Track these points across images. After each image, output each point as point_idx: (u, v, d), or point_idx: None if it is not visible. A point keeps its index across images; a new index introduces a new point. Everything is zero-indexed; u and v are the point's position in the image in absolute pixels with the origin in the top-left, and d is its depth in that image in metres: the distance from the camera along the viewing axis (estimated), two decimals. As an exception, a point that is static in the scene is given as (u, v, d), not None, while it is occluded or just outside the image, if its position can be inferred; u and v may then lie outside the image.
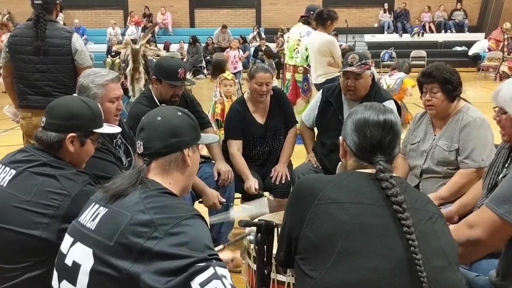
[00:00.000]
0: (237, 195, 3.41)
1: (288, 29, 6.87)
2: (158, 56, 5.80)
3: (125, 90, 5.33)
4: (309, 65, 5.82)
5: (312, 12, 5.76)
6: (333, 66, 5.47)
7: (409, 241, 1.30)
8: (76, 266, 1.39)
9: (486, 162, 2.49)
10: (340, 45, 5.93)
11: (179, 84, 3.03)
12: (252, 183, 3.20)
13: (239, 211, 2.79)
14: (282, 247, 1.52)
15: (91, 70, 2.55)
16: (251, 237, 1.74)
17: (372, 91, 3.18)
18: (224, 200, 3.06)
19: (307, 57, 5.76)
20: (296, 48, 5.82)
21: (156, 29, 17.32)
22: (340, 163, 1.77)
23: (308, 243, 1.37)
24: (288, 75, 5.96)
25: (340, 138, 1.59)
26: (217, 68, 5.50)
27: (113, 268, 1.31)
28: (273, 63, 13.63)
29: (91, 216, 1.45)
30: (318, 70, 5.48)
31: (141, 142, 1.54)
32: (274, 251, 1.68)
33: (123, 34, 16.19)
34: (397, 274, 1.29)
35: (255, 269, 2.09)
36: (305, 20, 5.89)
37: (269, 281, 1.78)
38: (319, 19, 5.49)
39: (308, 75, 5.87)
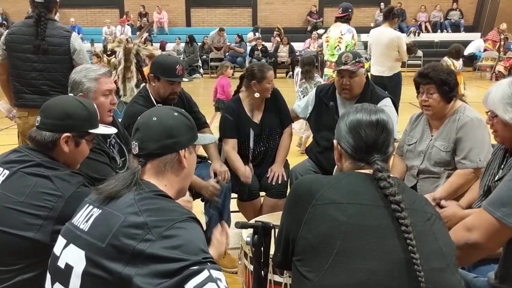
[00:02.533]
0: (234, 195, 3.40)
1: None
2: (153, 55, 5.80)
3: (117, 90, 5.31)
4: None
5: (350, 10, 6.09)
6: (398, 61, 6.01)
7: (407, 241, 1.30)
8: (68, 269, 1.37)
9: (483, 163, 2.49)
10: None
11: (178, 80, 3.02)
12: (246, 168, 3.22)
13: None
14: (280, 248, 1.50)
15: (82, 66, 2.55)
16: (248, 239, 1.72)
17: (367, 89, 3.18)
18: (215, 181, 3.05)
19: None
20: (338, 45, 6.04)
21: (154, 28, 17.28)
22: (336, 167, 1.75)
23: (305, 244, 1.36)
24: (330, 71, 6.08)
25: (334, 141, 1.57)
26: (313, 66, 5.92)
27: (105, 270, 1.29)
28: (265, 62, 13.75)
29: (84, 217, 1.43)
30: (384, 65, 5.78)
31: (136, 143, 1.52)
32: (271, 252, 1.66)
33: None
34: (395, 276, 1.28)
35: (252, 270, 2.07)
36: (346, 19, 6.14)
37: (265, 283, 1.76)
38: (389, 15, 6.02)
39: None
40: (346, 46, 5.98)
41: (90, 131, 1.90)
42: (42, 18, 3.46)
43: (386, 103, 3.11)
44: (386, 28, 5.98)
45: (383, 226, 1.33)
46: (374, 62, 6.20)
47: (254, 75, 3.31)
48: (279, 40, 15.69)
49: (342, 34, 6.04)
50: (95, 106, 2.00)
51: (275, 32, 16.12)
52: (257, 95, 3.40)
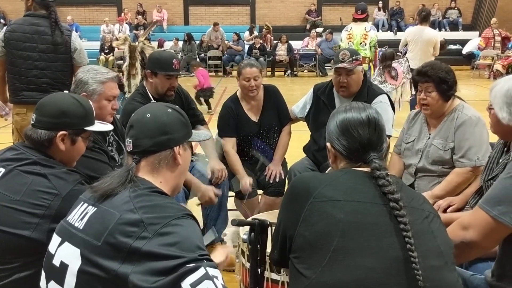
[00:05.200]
0: (231, 193, 3.39)
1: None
2: None
3: (121, 86, 5.30)
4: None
5: (367, 10, 7.14)
6: (433, 55, 6.93)
7: (405, 239, 1.29)
8: (63, 267, 1.36)
9: (481, 161, 2.49)
10: None
11: (175, 74, 3.01)
12: (246, 181, 3.18)
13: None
14: (277, 246, 1.50)
15: (91, 66, 2.53)
16: (245, 236, 1.72)
17: (365, 87, 3.17)
18: (219, 192, 3.02)
19: (370, 48, 7.02)
20: (363, 41, 6.92)
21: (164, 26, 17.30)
22: (329, 168, 1.74)
23: (303, 242, 1.35)
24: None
25: (328, 144, 1.56)
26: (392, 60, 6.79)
27: (101, 268, 1.28)
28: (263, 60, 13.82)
29: (79, 215, 1.41)
30: (422, 59, 6.56)
31: (130, 140, 1.50)
32: (268, 249, 1.66)
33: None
34: (393, 274, 1.28)
35: (249, 268, 2.07)
36: (365, 18, 7.12)
37: (262, 280, 1.75)
38: (428, 16, 7.19)
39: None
40: (371, 42, 6.92)
41: (86, 128, 1.88)
42: (57, 16, 3.51)
43: (382, 99, 3.12)
44: (427, 28, 7.00)
45: (381, 224, 1.33)
46: (412, 57, 7.03)
47: (237, 71, 3.32)
48: (270, 37, 15.68)
49: (367, 31, 6.92)
50: (91, 103, 1.98)
51: (264, 30, 16.02)
52: (238, 92, 3.39)
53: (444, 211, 2.46)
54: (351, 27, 7.05)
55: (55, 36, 3.45)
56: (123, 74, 5.54)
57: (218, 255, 1.72)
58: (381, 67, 6.91)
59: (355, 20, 7.08)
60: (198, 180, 3.01)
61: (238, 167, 3.25)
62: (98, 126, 1.96)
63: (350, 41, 6.98)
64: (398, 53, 7.98)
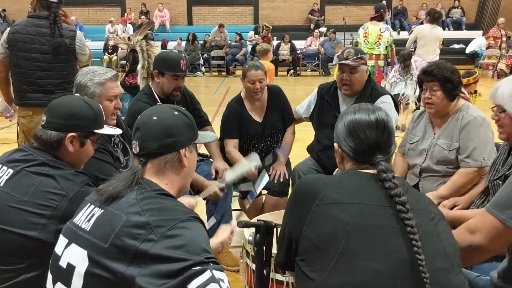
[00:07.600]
0: (235, 193, 3.40)
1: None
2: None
3: (137, 87, 5.28)
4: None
5: (382, 10, 7.46)
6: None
7: (412, 241, 1.29)
8: (70, 268, 1.36)
9: (487, 162, 2.49)
10: None
11: (183, 74, 3.03)
12: (252, 165, 3.11)
13: (231, 173, 2.88)
14: (282, 248, 1.50)
15: (89, 68, 2.52)
16: (250, 238, 1.72)
17: (368, 87, 3.17)
18: (223, 185, 3.01)
19: (386, 47, 7.42)
20: (378, 41, 7.30)
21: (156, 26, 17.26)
22: (336, 169, 1.74)
23: (309, 244, 1.35)
24: (371, 62, 7.07)
25: (335, 145, 1.56)
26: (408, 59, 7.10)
27: (108, 270, 1.28)
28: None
29: (86, 217, 1.42)
30: (433, 53, 7.81)
31: (137, 142, 1.51)
32: (274, 251, 1.66)
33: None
34: (399, 277, 1.28)
35: (253, 268, 2.07)
36: (380, 18, 7.44)
37: (268, 282, 1.76)
38: (440, 18, 8.24)
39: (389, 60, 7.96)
40: (386, 42, 7.33)
41: (95, 131, 1.89)
42: (57, 17, 3.49)
43: (385, 100, 3.11)
44: (436, 27, 7.98)
45: (388, 226, 1.33)
46: (424, 52, 7.85)
47: (242, 73, 3.32)
48: (270, 37, 15.66)
49: (381, 32, 7.29)
50: (100, 107, 1.99)
51: (264, 31, 15.99)
52: (242, 93, 3.40)
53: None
54: (367, 26, 7.42)
55: (55, 37, 3.45)
56: (127, 75, 5.51)
57: (221, 231, 1.74)
58: (399, 68, 7.19)
59: (371, 19, 7.49)
60: (202, 178, 3.02)
61: (240, 159, 3.23)
62: (107, 130, 1.97)
63: (366, 39, 7.36)
64: (411, 49, 8.38)
